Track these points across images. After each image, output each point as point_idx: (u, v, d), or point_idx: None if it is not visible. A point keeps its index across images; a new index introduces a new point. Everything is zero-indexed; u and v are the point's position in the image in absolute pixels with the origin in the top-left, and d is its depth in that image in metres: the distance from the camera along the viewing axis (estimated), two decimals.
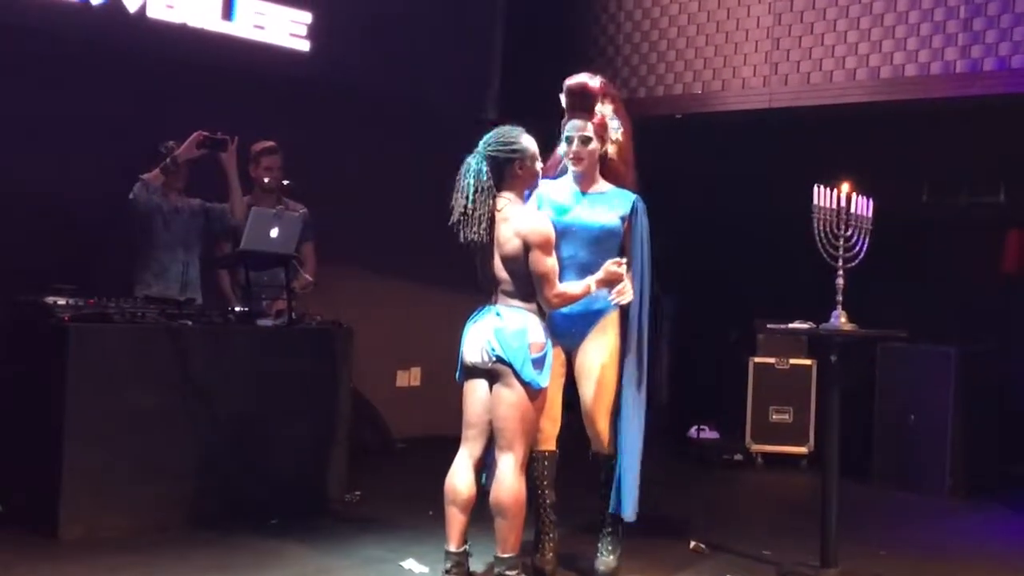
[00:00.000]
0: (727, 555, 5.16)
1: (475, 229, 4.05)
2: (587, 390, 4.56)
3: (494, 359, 4.06)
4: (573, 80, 4.59)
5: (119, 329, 5.06)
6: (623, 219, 4.57)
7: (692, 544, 5.24)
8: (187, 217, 6.10)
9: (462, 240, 4.10)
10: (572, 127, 4.56)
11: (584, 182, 4.59)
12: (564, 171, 4.65)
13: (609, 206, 4.58)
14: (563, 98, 4.59)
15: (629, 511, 4.55)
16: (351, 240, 7.38)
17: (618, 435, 4.59)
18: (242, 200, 6.10)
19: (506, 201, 4.12)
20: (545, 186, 4.53)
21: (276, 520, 5.32)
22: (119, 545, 4.80)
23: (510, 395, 4.06)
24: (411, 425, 7.83)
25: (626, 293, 4.42)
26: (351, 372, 5.98)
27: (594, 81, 4.60)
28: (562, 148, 4.60)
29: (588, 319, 4.54)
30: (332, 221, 6.71)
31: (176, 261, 6.05)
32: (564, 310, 4.38)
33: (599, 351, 4.56)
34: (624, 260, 4.40)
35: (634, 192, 4.64)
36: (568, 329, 4.52)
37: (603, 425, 4.57)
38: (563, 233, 4.47)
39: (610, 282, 4.30)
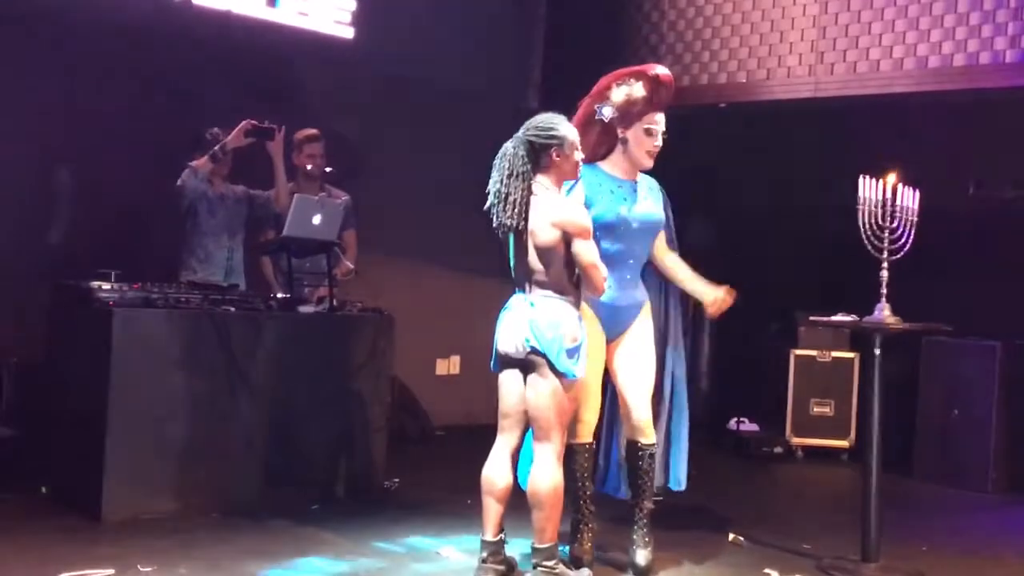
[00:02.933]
0: (766, 548, 5.13)
1: (509, 213, 4.02)
2: (632, 380, 4.55)
3: (528, 350, 4.05)
4: (666, 73, 4.51)
5: (162, 314, 5.11)
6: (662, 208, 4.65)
7: (731, 537, 5.22)
8: (232, 204, 6.15)
9: (495, 224, 4.08)
10: (659, 121, 4.51)
11: (633, 172, 4.57)
12: (601, 157, 4.57)
13: (653, 196, 4.61)
14: (638, 85, 4.43)
15: (680, 480, 4.75)
16: (393, 228, 7.40)
17: (663, 414, 4.70)
18: (287, 187, 6.14)
19: (542, 188, 4.09)
20: (590, 172, 4.46)
21: (316, 506, 5.35)
22: (161, 528, 4.86)
23: (545, 386, 4.04)
24: (450, 413, 7.86)
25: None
26: (391, 359, 6.00)
27: None
28: (635, 135, 4.48)
29: (633, 310, 4.56)
30: (375, 209, 6.74)
31: (221, 247, 6.10)
32: (612, 300, 4.40)
33: (643, 342, 4.58)
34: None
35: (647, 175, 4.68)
36: (616, 319, 4.52)
37: (648, 414, 4.57)
38: (627, 226, 4.47)
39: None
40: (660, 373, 4.73)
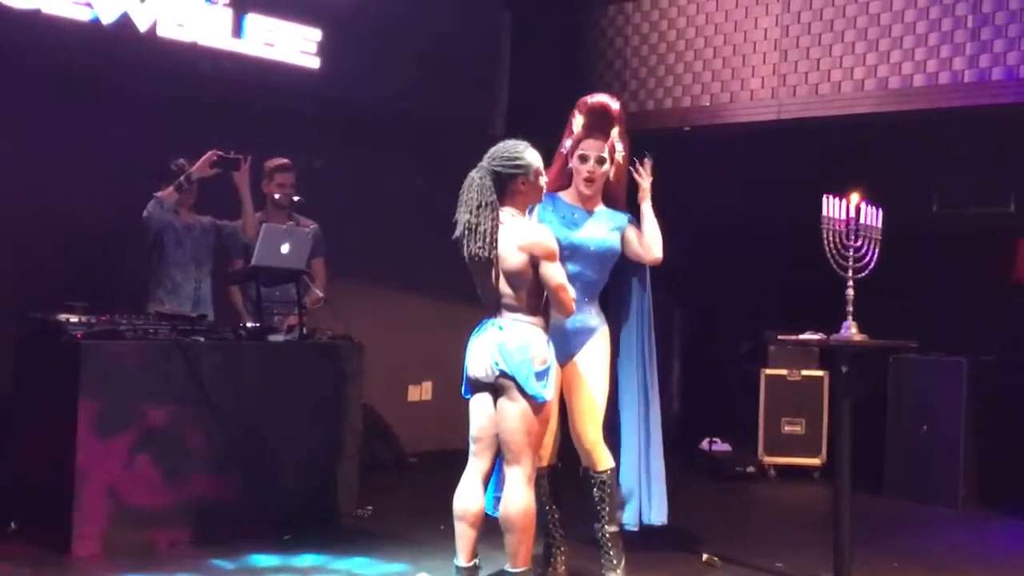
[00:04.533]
0: (740, 568, 5.14)
1: (480, 244, 4.05)
2: (577, 406, 4.55)
3: (498, 373, 4.06)
4: (595, 100, 4.59)
5: (131, 346, 5.08)
6: (621, 239, 4.63)
7: (705, 557, 5.23)
8: (199, 234, 6.14)
9: (465, 255, 4.11)
10: (590, 147, 4.56)
11: (589, 201, 4.61)
12: (563, 186, 4.64)
13: (609, 225, 4.62)
14: (579, 115, 4.58)
15: (659, 516, 4.70)
16: (362, 255, 7.40)
17: (636, 445, 4.67)
18: (254, 217, 6.13)
19: (508, 215, 4.13)
20: (546, 201, 4.53)
21: (288, 535, 5.33)
22: (132, 561, 4.82)
23: (515, 409, 4.06)
24: (423, 440, 7.84)
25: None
26: (362, 387, 5.99)
27: (615, 104, 4.62)
28: (573, 162, 4.59)
29: (582, 335, 4.57)
30: (343, 237, 6.74)
31: (188, 278, 6.08)
32: (562, 324, 4.40)
33: (592, 367, 4.57)
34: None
35: (624, 211, 4.69)
36: (564, 343, 4.51)
37: (592, 441, 4.54)
38: (573, 251, 4.48)
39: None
40: (634, 398, 4.72)
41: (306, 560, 4.99)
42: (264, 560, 4.97)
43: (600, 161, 4.56)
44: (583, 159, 4.56)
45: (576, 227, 4.55)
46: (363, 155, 7.58)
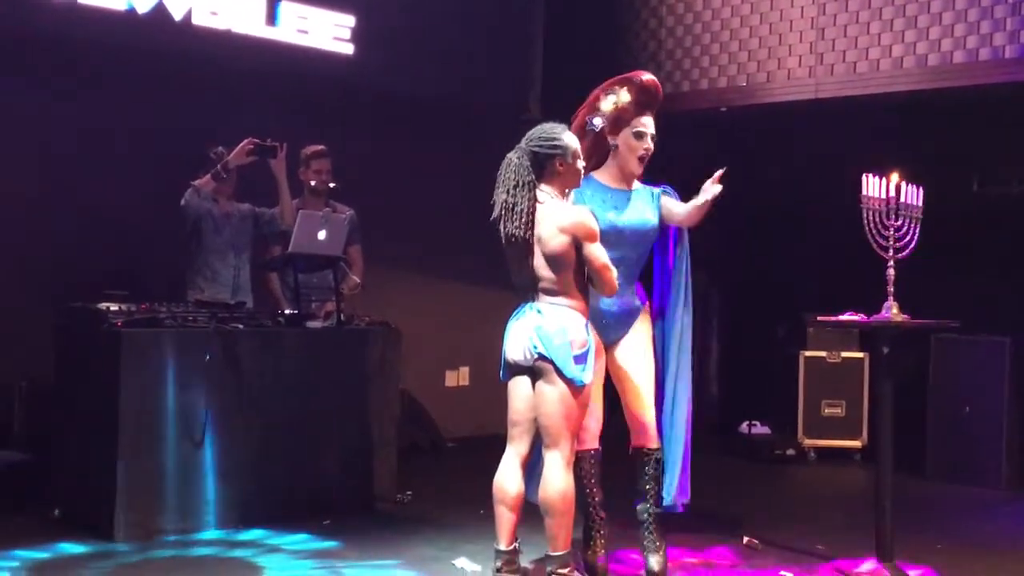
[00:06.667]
0: (781, 550, 5.12)
1: (517, 223, 4.03)
2: (631, 385, 4.55)
3: (536, 356, 4.05)
4: (648, 77, 4.56)
5: (170, 333, 5.12)
6: (658, 215, 4.60)
7: (745, 540, 5.21)
8: (237, 222, 6.17)
9: (502, 235, 4.09)
10: (647, 124, 4.53)
11: (628, 180, 4.58)
12: (595, 167, 4.60)
13: (647, 203, 4.59)
14: (624, 93, 4.50)
15: (676, 500, 4.62)
16: (398, 241, 7.41)
17: (664, 428, 4.63)
18: (291, 204, 6.16)
19: (547, 196, 4.11)
20: (583, 183, 4.49)
21: (328, 520, 5.35)
22: (174, 547, 4.87)
23: (553, 392, 4.05)
24: (461, 425, 7.86)
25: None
26: (400, 372, 6.01)
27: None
28: (624, 140, 4.52)
29: (628, 317, 4.55)
30: (379, 223, 6.75)
31: (227, 266, 6.11)
32: (607, 306, 4.40)
33: (640, 346, 4.56)
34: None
35: (652, 183, 4.65)
36: (611, 324, 4.51)
37: (649, 419, 4.55)
38: (617, 234, 4.46)
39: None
40: (663, 385, 4.70)
41: (346, 545, 5.01)
42: (305, 545, 5.00)
43: (653, 139, 4.54)
44: (639, 136, 4.52)
45: (618, 210, 4.52)
46: (398, 141, 7.59)
